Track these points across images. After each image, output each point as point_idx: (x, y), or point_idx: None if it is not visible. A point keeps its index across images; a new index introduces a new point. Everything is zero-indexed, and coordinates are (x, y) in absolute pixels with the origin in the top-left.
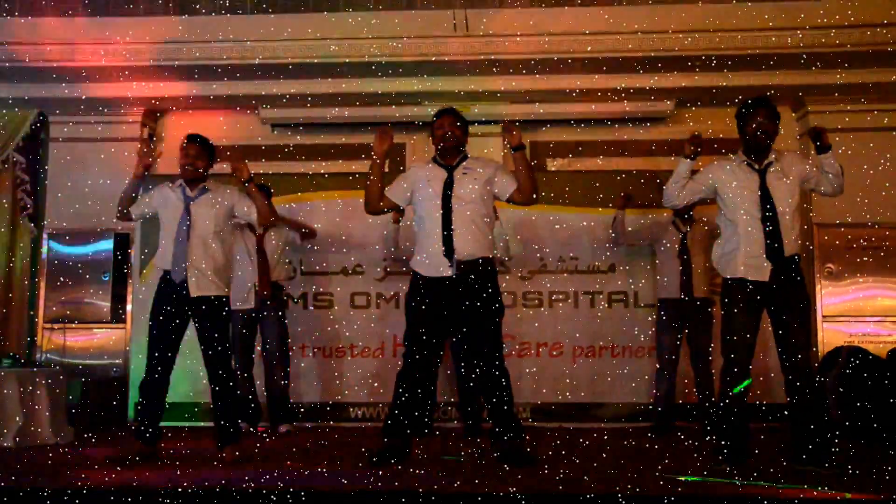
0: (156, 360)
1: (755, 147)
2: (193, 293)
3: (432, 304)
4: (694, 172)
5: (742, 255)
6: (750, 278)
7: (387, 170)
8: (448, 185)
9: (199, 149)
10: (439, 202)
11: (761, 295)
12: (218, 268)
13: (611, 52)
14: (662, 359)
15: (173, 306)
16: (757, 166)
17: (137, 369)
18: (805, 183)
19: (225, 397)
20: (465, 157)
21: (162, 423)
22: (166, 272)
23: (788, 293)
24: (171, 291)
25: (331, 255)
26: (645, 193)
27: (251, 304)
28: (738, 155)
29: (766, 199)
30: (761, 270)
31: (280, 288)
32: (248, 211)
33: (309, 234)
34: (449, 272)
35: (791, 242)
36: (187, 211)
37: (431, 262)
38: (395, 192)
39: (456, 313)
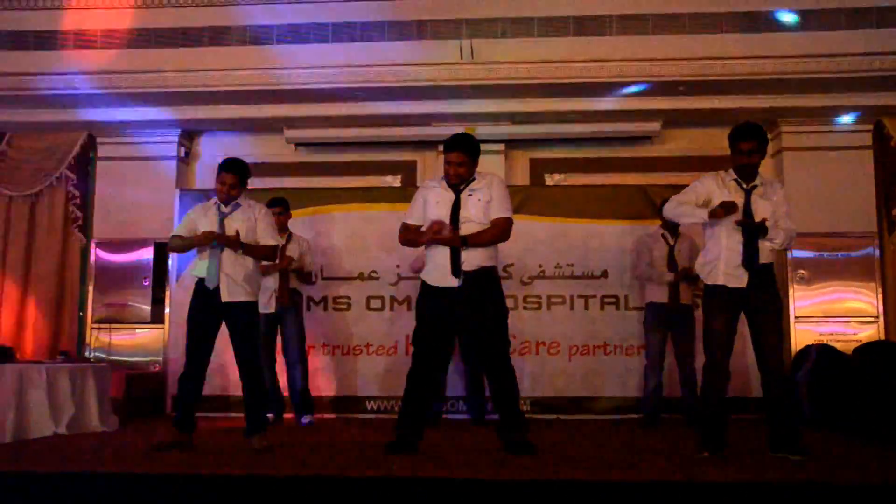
0: (193, 357)
1: (742, 171)
2: (225, 299)
3: (440, 309)
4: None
5: (723, 265)
6: (729, 285)
7: (399, 184)
8: (456, 208)
9: (236, 178)
10: (448, 223)
11: (738, 299)
12: (248, 275)
13: (603, 78)
14: (650, 357)
15: (208, 310)
16: (745, 185)
17: (175, 365)
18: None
19: (254, 392)
20: (472, 179)
21: (197, 414)
22: (201, 279)
23: (763, 298)
24: (205, 297)
25: (348, 261)
26: (635, 207)
27: (272, 308)
28: (728, 172)
29: (748, 215)
30: (739, 279)
31: (298, 294)
32: (261, 236)
33: (307, 275)
34: (456, 283)
35: (766, 253)
36: (221, 225)
37: (440, 275)
38: (416, 215)
39: (463, 317)
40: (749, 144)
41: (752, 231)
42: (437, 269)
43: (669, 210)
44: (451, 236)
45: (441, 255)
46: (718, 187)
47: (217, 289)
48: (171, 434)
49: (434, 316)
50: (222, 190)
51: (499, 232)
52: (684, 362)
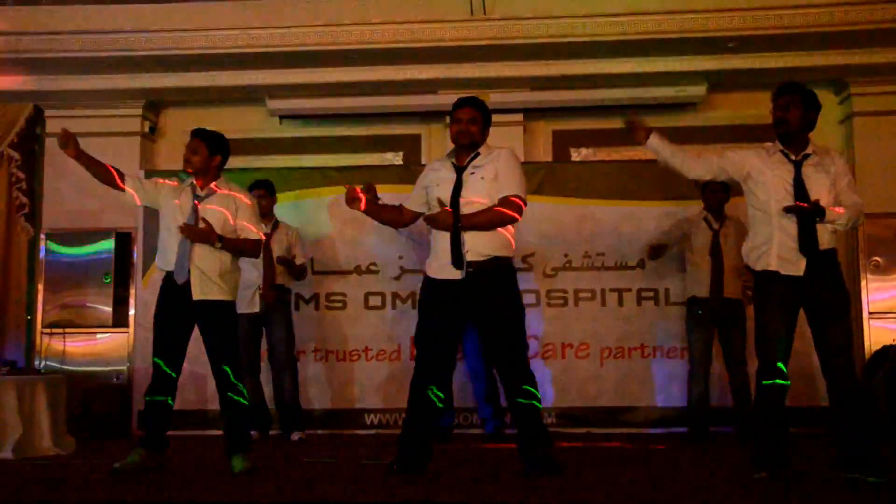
0: (161, 364)
1: (785, 138)
2: (196, 296)
3: (442, 305)
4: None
5: (775, 248)
6: (783, 272)
7: (401, 162)
8: (457, 189)
9: (204, 146)
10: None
11: (796, 291)
12: (224, 270)
13: (637, 35)
14: (694, 360)
15: (177, 309)
16: (793, 157)
17: (141, 376)
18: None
19: (232, 405)
20: (476, 154)
21: (169, 433)
22: (169, 273)
23: (825, 290)
24: (174, 293)
25: (343, 253)
26: (676, 185)
27: (256, 308)
28: (775, 143)
29: (800, 190)
30: (795, 265)
31: (286, 291)
32: (242, 228)
33: (299, 270)
34: (458, 276)
35: (827, 236)
36: (195, 212)
37: (441, 266)
38: (416, 202)
39: (469, 316)
40: (784, 98)
41: (808, 216)
42: (439, 258)
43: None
44: (436, 216)
45: (442, 242)
46: (762, 160)
47: (187, 284)
48: (138, 455)
49: (435, 313)
50: (188, 159)
51: (503, 211)
52: (734, 367)
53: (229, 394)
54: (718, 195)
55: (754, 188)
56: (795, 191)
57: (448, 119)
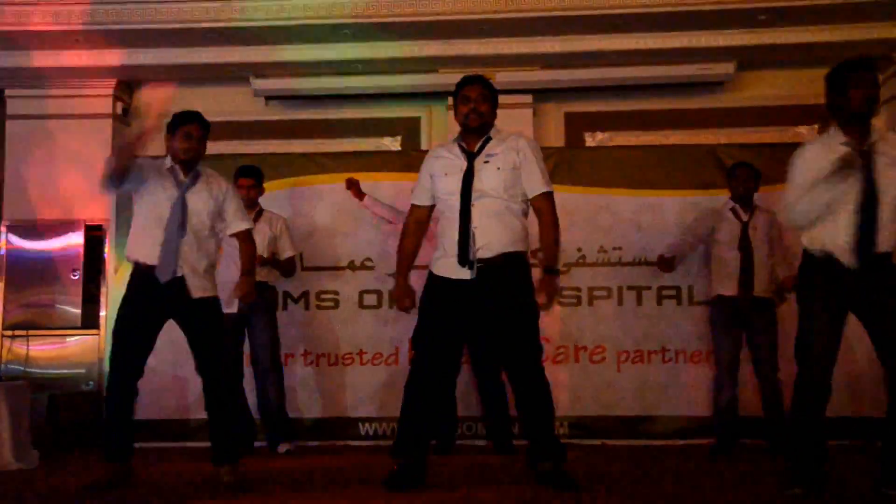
0: (123, 365)
1: (858, 120)
2: (196, 295)
3: (447, 304)
4: None
5: (842, 229)
6: (838, 257)
7: (399, 147)
8: (468, 179)
9: (202, 131)
10: (457, 198)
11: (847, 290)
12: (212, 265)
13: (658, 7)
14: (721, 365)
15: (152, 307)
16: (861, 145)
17: None
18: None
19: (225, 409)
20: (488, 139)
21: (147, 444)
22: (145, 268)
23: (882, 290)
24: (150, 289)
25: (336, 247)
26: (702, 173)
27: (234, 308)
28: (832, 132)
29: (870, 187)
30: (849, 256)
31: (270, 288)
32: (230, 221)
33: (286, 266)
34: (467, 275)
35: (888, 238)
36: (183, 202)
37: (448, 263)
38: (424, 194)
39: (478, 316)
40: (864, 78)
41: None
42: (446, 254)
43: (793, 215)
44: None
45: (450, 235)
46: (826, 155)
47: (174, 283)
48: (105, 469)
49: (439, 312)
50: (189, 147)
51: (554, 216)
52: (765, 373)
53: (221, 397)
54: (747, 183)
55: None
56: (865, 188)
57: (450, 100)
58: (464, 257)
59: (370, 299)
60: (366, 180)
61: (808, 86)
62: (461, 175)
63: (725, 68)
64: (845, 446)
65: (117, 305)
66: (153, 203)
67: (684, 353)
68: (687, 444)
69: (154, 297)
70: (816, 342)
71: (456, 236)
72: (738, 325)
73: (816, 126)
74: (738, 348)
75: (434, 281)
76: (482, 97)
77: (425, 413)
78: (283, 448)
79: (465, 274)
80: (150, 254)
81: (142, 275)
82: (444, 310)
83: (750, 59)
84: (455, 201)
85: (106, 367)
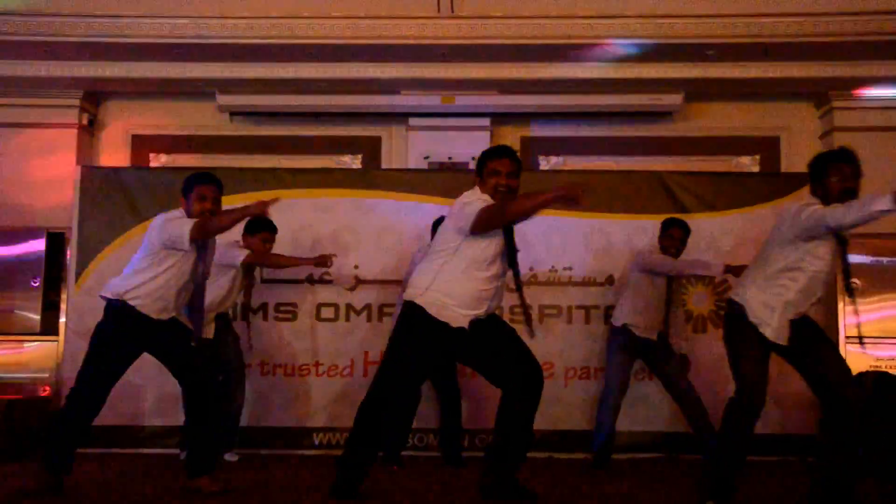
0: (103, 386)
1: (833, 199)
2: (166, 318)
3: (443, 348)
4: None
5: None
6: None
7: (360, 165)
8: (511, 249)
9: (219, 192)
10: (501, 257)
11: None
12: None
13: (612, 39)
14: (610, 384)
15: (142, 338)
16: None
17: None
18: None
19: (209, 416)
20: None
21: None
22: (138, 310)
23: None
24: (141, 324)
25: None
26: (650, 198)
27: (210, 335)
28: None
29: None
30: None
31: (226, 316)
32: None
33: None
34: (466, 324)
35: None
36: (199, 260)
37: (456, 314)
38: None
39: (481, 349)
40: (845, 170)
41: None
42: (460, 305)
43: (840, 217)
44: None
45: (468, 286)
46: None
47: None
48: (41, 477)
49: (435, 357)
50: (205, 209)
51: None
52: (677, 389)
53: (204, 403)
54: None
55: (795, 248)
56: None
57: (410, 121)
58: (528, 319)
59: (328, 312)
60: (325, 196)
61: (750, 118)
62: (500, 245)
63: (674, 99)
64: (769, 463)
65: (78, 312)
66: (179, 270)
67: None
68: (632, 458)
69: (144, 329)
70: (753, 365)
71: (478, 286)
72: (632, 354)
73: (757, 157)
74: (630, 367)
75: (434, 325)
76: (512, 174)
77: (379, 436)
78: (232, 457)
79: (465, 322)
80: (154, 307)
81: (132, 316)
82: (440, 353)
83: (697, 91)
84: (497, 262)
85: (64, 373)
